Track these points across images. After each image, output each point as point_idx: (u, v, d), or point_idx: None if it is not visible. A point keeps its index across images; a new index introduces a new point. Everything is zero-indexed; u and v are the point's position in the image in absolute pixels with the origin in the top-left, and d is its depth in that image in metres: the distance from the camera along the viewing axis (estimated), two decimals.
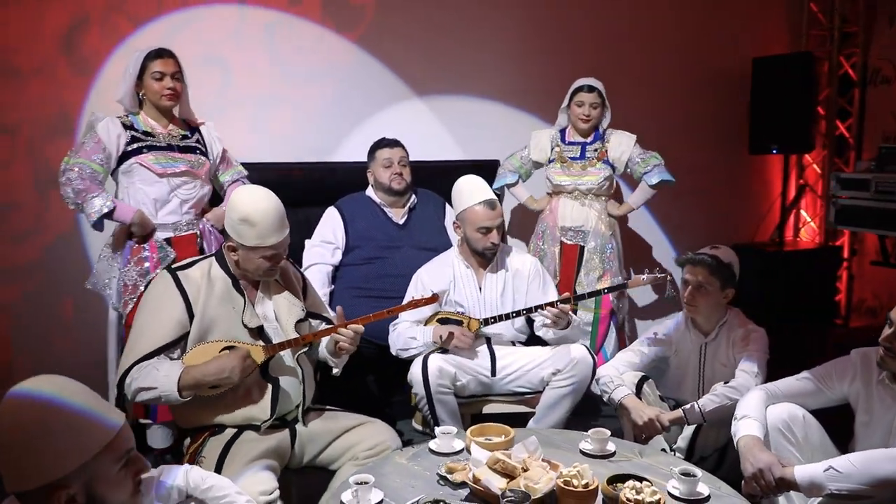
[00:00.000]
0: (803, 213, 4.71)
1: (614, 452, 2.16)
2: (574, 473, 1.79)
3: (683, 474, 1.89)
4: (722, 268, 2.49)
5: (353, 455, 2.18)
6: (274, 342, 2.13)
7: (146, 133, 2.68)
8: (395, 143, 3.16)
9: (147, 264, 2.65)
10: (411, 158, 3.61)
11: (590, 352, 2.63)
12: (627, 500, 1.69)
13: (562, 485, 1.76)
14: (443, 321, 2.68)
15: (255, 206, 2.08)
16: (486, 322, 2.65)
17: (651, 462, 2.08)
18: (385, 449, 2.19)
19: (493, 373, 2.67)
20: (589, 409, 3.03)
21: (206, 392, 2.05)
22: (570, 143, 3.38)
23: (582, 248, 3.34)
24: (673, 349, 2.66)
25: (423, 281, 2.74)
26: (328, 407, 2.35)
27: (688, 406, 2.36)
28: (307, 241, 3.09)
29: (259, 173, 3.38)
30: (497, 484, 1.82)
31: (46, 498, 1.20)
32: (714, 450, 2.42)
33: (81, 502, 1.23)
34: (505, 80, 3.86)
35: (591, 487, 1.76)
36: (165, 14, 3.23)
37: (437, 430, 2.20)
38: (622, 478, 1.86)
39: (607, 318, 3.29)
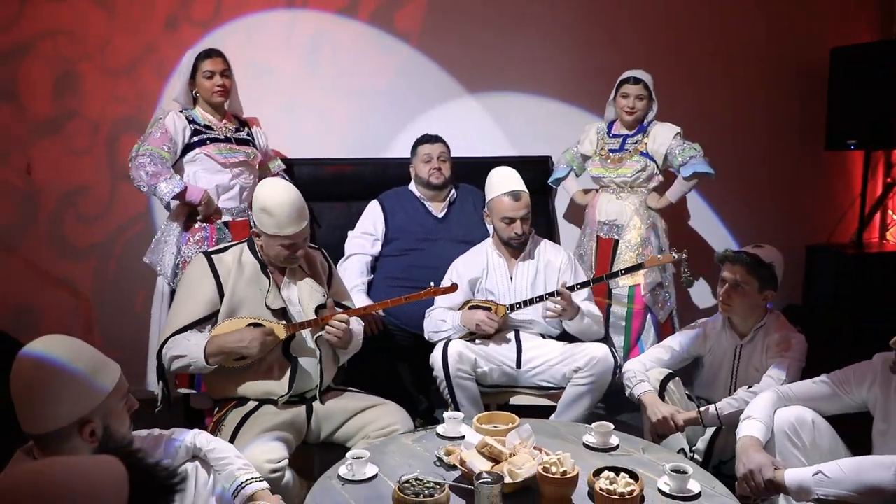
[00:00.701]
0: (892, 213, 4.37)
1: (617, 446, 2.16)
2: (554, 461, 1.82)
3: (674, 471, 1.88)
4: (761, 267, 2.39)
5: (365, 434, 2.31)
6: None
7: (206, 126, 2.93)
8: (435, 140, 3.25)
9: (206, 244, 2.89)
10: (462, 154, 3.71)
11: (612, 352, 2.61)
12: (601, 489, 1.70)
13: (541, 471, 1.80)
14: (473, 308, 2.75)
15: (274, 198, 2.24)
16: (512, 308, 2.69)
17: (652, 458, 2.07)
18: (395, 430, 2.30)
19: (519, 364, 2.70)
20: (620, 404, 3.00)
21: (231, 364, 2.23)
22: (614, 136, 3.35)
23: (616, 242, 3.31)
24: (707, 348, 2.59)
25: (458, 270, 2.83)
26: (349, 388, 2.48)
27: (704, 408, 2.30)
28: (349, 232, 3.25)
29: (315, 168, 3.61)
30: (480, 466, 1.88)
31: (78, 432, 1.40)
32: (734, 454, 2.34)
33: (99, 434, 1.42)
34: (558, 76, 3.86)
35: (569, 475, 1.78)
36: (229, 20, 3.49)
37: (445, 415, 2.28)
38: (613, 470, 1.88)
39: (641, 314, 3.22)
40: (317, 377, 2.33)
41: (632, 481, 1.73)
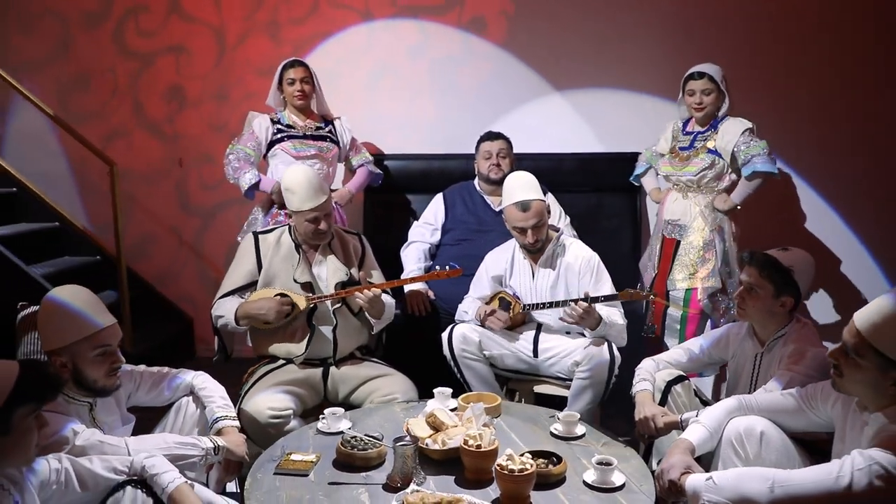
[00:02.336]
0: None
1: (582, 436, 2.19)
2: (475, 436, 1.94)
3: (599, 463, 1.89)
4: (776, 271, 2.21)
5: (370, 399, 2.58)
6: None
7: (288, 126, 3.38)
8: (496, 137, 3.39)
9: None
10: (549, 152, 3.82)
11: (611, 349, 2.57)
12: (498, 465, 1.79)
13: (462, 444, 1.93)
14: (501, 300, 2.87)
15: (293, 179, 2.61)
16: (529, 308, 2.76)
17: (605, 452, 2.06)
18: (394, 398, 2.54)
19: (535, 354, 2.77)
20: None
21: (260, 326, 2.63)
22: (686, 133, 3.21)
23: (678, 242, 3.16)
24: (730, 354, 2.45)
25: (486, 264, 2.95)
26: (369, 359, 2.77)
27: (687, 413, 2.20)
28: (414, 221, 3.52)
29: (409, 162, 3.93)
30: (418, 433, 2.05)
31: (50, 362, 1.87)
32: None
33: (69, 369, 1.88)
34: (651, 71, 3.77)
35: (483, 450, 1.89)
36: (343, 29, 3.95)
37: (435, 390, 2.46)
38: (539, 454, 1.95)
39: (697, 318, 3.05)
40: (332, 343, 2.65)
41: (530, 462, 1.79)
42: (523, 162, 3.71)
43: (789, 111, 3.72)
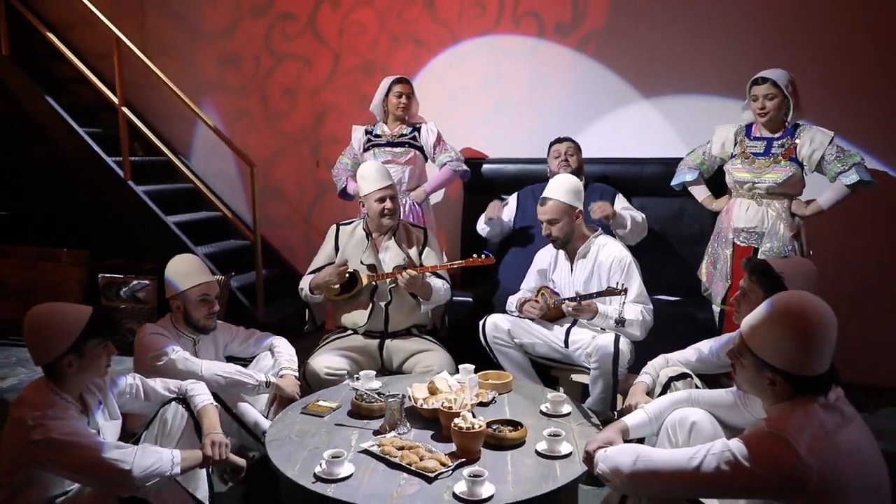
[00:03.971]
0: None
1: (567, 415, 2.43)
2: (452, 399, 2.29)
3: (549, 434, 2.14)
4: (766, 277, 2.25)
5: (413, 370, 3.02)
6: None
7: (377, 135, 3.94)
8: (564, 139, 3.65)
9: None
10: (634, 156, 3.97)
11: (616, 343, 2.72)
12: (454, 423, 2.13)
13: (441, 406, 2.28)
14: (543, 296, 3.14)
15: (364, 167, 3.21)
16: (559, 302, 2.99)
17: (575, 430, 2.29)
18: (431, 370, 2.94)
19: (567, 344, 3.00)
20: None
21: (330, 294, 3.16)
22: (756, 139, 3.18)
23: (756, 250, 3.14)
24: None
25: (536, 259, 3.23)
26: (422, 336, 3.19)
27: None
28: None
29: (505, 166, 4.28)
30: (416, 394, 2.44)
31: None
32: None
33: (181, 310, 2.56)
34: (733, 75, 3.71)
35: (452, 410, 2.23)
36: (448, 47, 4.42)
37: (460, 366, 2.81)
38: (504, 422, 2.26)
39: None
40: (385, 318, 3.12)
41: (475, 423, 2.10)
42: (608, 166, 3.90)
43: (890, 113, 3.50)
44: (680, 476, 1.58)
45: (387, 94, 3.93)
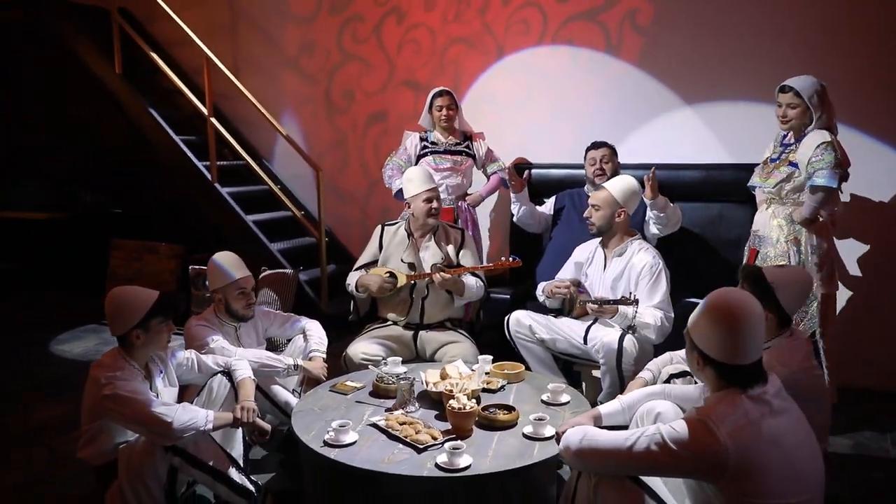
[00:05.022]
0: None
1: (566, 403, 2.63)
2: (455, 384, 2.55)
3: (535, 419, 2.36)
4: (756, 285, 2.33)
5: (442, 359, 3.30)
6: None
7: (433, 143, 4.20)
8: (600, 146, 3.80)
9: None
10: (678, 162, 4.06)
11: (621, 341, 2.88)
12: (450, 405, 2.39)
13: (444, 389, 2.55)
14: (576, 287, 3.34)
15: (411, 171, 3.47)
16: (581, 301, 3.17)
17: (568, 418, 2.49)
18: (457, 360, 3.21)
19: (585, 341, 3.17)
20: None
21: (375, 294, 3.49)
22: (782, 145, 3.23)
23: (758, 253, 3.21)
24: None
25: (575, 253, 3.42)
26: (454, 328, 3.46)
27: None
28: None
29: (551, 171, 4.45)
30: (429, 378, 2.72)
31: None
32: None
33: (223, 302, 2.97)
34: (771, 80, 3.69)
35: (451, 392, 2.49)
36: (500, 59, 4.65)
37: (480, 357, 3.06)
38: (499, 406, 2.50)
39: None
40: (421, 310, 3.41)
41: (471, 405, 2.35)
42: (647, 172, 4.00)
43: None
44: (616, 454, 1.77)
45: (430, 108, 4.20)
